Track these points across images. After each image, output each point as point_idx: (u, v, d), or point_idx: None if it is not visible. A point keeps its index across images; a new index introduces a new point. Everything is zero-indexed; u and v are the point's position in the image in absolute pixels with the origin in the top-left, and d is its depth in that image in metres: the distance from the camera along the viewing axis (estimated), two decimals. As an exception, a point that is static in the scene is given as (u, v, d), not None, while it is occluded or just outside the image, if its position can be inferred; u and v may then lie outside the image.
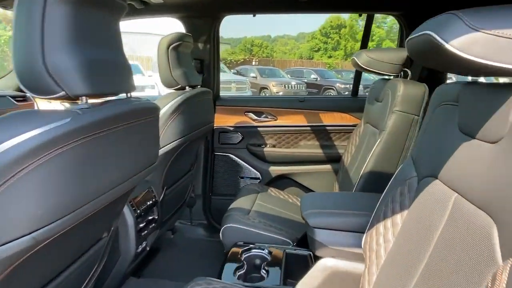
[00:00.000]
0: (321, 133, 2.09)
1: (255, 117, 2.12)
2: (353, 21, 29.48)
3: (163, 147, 1.42)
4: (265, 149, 2.10)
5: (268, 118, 2.12)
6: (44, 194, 0.57)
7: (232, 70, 13.75)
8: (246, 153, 2.12)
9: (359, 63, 1.53)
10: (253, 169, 2.12)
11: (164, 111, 1.41)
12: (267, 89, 11.98)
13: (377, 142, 1.36)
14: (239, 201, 1.75)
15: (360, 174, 1.38)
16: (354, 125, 2.01)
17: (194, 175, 2.05)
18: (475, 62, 0.48)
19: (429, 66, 0.71)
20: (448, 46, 0.48)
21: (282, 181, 2.13)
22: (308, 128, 2.09)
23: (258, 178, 2.12)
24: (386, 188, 0.88)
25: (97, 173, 0.68)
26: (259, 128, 2.12)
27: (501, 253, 0.49)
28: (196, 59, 2.03)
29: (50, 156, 0.55)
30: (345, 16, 29.93)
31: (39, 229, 0.57)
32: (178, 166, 1.63)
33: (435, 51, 0.51)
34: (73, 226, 0.66)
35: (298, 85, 12.26)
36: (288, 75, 13.98)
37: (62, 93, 0.62)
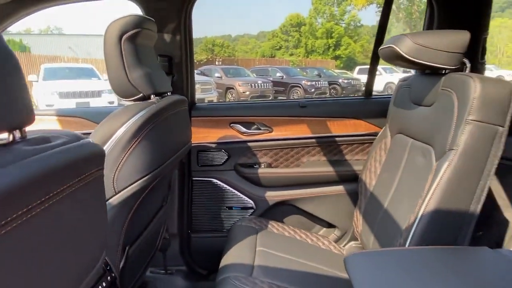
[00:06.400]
0: (330, 146, 1.65)
1: (244, 130, 1.63)
2: (312, 18, 29.71)
3: (119, 191, 0.91)
4: (259, 170, 1.62)
5: (261, 129, 1.64)
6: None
7: (196, 71, 13.07)
8: (234, 175, 1.63)
9: (402, 52, 1.06)
10: (244, 197, 1.63)
11: (119, 135, 0.90)
12: (233, 89, 11.52)
13: (444, 167, 0.92)
14: (234, 252, 1.26)
15: (419, 215, 0.94)
16: (372, 134, 1.59)
17: (168, 210, 1.53)
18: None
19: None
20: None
21: (282, 210, 1.66)
22: (313, 140, 1.63)
23: (251, 208, 1.64)
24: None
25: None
26: (249, 143, 1.63)
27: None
28: (162, 55, 1.51)
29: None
30: (305, 14, 30.05)
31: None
32: (144, 210, 1.12)
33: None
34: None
35: (265, 84, 11.88)
36: (254, 74, 13.55)
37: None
